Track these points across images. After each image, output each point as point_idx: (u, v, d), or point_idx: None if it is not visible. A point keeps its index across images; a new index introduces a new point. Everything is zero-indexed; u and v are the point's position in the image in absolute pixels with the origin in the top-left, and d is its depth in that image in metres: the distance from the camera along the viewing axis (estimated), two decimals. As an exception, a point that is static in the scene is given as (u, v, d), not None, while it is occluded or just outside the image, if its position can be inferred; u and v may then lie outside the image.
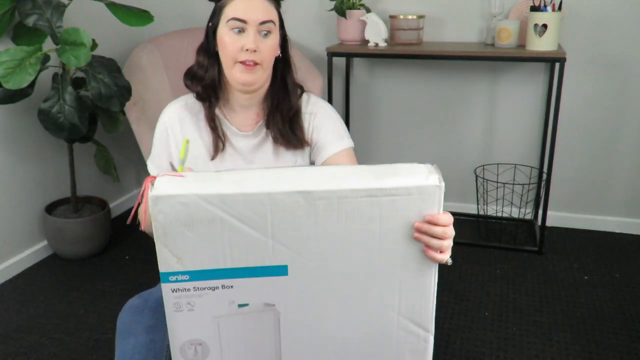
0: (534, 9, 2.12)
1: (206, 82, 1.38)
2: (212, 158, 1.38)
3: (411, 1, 2.46)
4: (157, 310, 1.34)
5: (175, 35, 2.57)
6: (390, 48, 2.29)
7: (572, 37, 2.33)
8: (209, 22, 1.39)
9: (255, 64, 1.30)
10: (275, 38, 1.33)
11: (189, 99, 1.42)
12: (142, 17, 2.06)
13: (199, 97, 1.39)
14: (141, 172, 2.89)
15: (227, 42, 1.31)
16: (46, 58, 1.93)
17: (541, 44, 2.10)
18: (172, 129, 1.38)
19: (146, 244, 2.44)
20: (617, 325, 1.85)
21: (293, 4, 2.61)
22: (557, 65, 2.12)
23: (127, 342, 1.30)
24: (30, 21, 1.92)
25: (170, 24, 2.76)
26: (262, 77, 1.34)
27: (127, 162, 2.77)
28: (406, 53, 2.25)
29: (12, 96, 1.95)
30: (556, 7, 2.10)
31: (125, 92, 2.03)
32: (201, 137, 1.39)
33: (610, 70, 2.34)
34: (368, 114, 2.68)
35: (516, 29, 2.19)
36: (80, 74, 2.09)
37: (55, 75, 2.01)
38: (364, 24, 2.33)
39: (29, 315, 1.93)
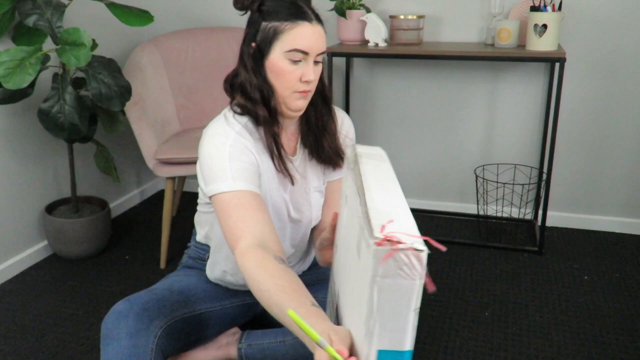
0: (534, 9, 2.12)
1: (271, 107, 1.30)
2: (292, 183, 1.40)
3: (411, 1, 2.46)
4: (142, 314, 1.34)
5: (175, 35, 2.57)
6: (390, 48, 2.29)
7: (572, 37, 2.33)
8: (251, 41, 1.29)
9: (308, 90, 1.30)
10: (322, 64, 1.32)
11: (236, 122, 1.32)
12: (142, 17, 2.06)
13: (262, 120, 1.31)
14: (141, 172, 2.89)
15: (286, 71, 1.27)
16: (46, 58, 1.93)
17: (541, 44, 2.11)
18: (248, 150, 1.29)
19: (146, 244, 2.46)
20: (617, 325, 1.85)
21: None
22: (557, 65, 2.12)
23: (110, 348, 1.30)
24: (30, 21, 1.92)
25: (170, 24, 2.76)
26: (310, 97, 1.34)
27: (127, 162, 2.77)
28: (406, 53, 2.25)
29: (12, 96, 1.95)
30: (556, 7, 2.10)
31: (125, 92, 2.03)
32: (264, 162, 1.35)
33: (610, 70, 2.34)
34: (368, 114, 2.68)
35: (516, 29, 2.20)
36: (80, 74, 2.09)
37: (55, 75, 2.01)
38: (364, 24, 2.33)
39: (29, 315, 1.93)
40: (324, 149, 1.42)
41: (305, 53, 1.25)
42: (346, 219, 0.94)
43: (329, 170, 1.49)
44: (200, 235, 1.60)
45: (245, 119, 1.33)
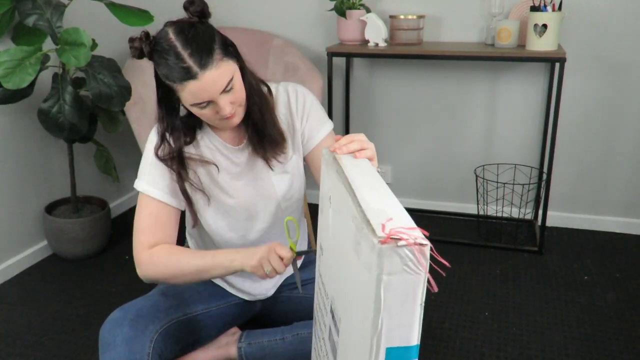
0: (534, 9, 2.12)
1: (173, 153, 1.39)
2: (193, 226, 1.48)
3: (411, 1, 2.46)
4: (137, 320, 1.35)
5: (175, 35, 2.57)
6: (390, 48, 2.29)
7: (572, 37, 2.33)
8: (158, 83, 1.30)
9: (234, 114, 1.29)
10: (239, 81, 1.28)
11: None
12: (142, 17, 2.06)
13: (167, 163, 1.42)
14: (141, 172, 2.88)
15: (201, 114, 1.29)
16: (46, 58, 1.93)
17: (541, 44, 2.10)
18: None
19: (146, 244, 2.44)
20: (617, 325, 1.85)
21: (293, 4, 2.62)
22: (557, 65, 2.12)
23: (107, 356, 1.32)
24: (30, 21, 1.92)
25: (170, 24, 2.76)
26: (243, 112, 1.34)
27: (127, 162, 2.77)
28: (406, 53, 2.25)
29: (12, 96, 1.95)
30: (556, 7, 2.10)
31: (125, 92, 2.03)
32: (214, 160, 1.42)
33: (611, 70, 2.34)
34: (368, 114, 2.68)
35: (516, 29, 2.19)
36: (80, 74, 2.09)
37: (55, 75, 2.01)
38: (364, 24, 2.33)
39: (29, 315, 1.93)
40: (257, 145, 1.40)
41: (207, 102, 1.24)
42: (333, 220, 0.94)
43: (295, 144, 1.47)
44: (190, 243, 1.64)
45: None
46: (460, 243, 2.41)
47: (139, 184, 1.44)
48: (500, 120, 2.53)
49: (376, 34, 2.30)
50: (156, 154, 1.41)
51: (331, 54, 2.31)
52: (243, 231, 1.48)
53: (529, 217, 2.60)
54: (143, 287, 1.82)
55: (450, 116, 2.58)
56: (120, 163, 2.69)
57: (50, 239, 2.28)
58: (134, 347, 1.31)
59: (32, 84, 1.91)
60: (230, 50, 1.27)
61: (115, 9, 2.02)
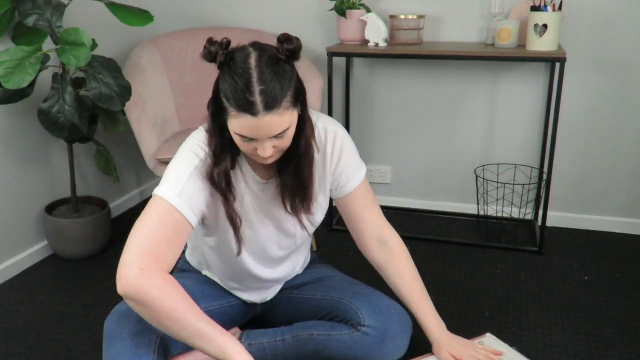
0: (534, 9, 2.12)
1: (219, 174, 1.28)
2: (238, 253, 1.41)
3: (411, 1, 2.46)
4: None
5: (175, 35, 2.57)
6: (390, 48, 2.29)
7: (572, 37, 2.33)
8: (215, 96, 1.21)
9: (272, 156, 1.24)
10: (292, 129, 1.22)
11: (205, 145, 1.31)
12: (142, 17, 2.06)
13: (214, 163, 1.30)
14: (141, 172, 2.89)
15: (238, 143, 1.22)
16: (46, 58, 1.93)
17: (541, 44, 2.10)
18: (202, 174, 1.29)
19: (146, 244, 2.44)
20: (617, 325, 1.85)
21: (293, 4, 2.62)
22: (557, 65, 2.12)
23: (113, 348, 1.31)
24: (30, 21, 1.92)
25: (170, 24, 2.76)
26: (282, 153, 1.28)
27: (127, 162, 2.77)
28: (406, 53, 2.25)
29: (12, 96, 1.95)
30: (556, 7, 2.10)
31: (125, 92, 2.03)
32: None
33: (611, 70, 2.34)
34: (368, 114, 2.68)
35: (516, 29, 2.19)
36: (80, 74, 2.09)
37: (55, 75, 2.01)
38: (364, 23, 2.33)
39: (29, 315, 1.93)
40: (291, 200, 1.38)
41: (252, 139, 1.19)
42: None
43: (322, 180, 1.46)
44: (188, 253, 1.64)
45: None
46: (460, 243, 2.41)
47: (167, 193, 1.25)
48: (500, 120, 2.53)
49: (376, 34, 2.30)
50: (206, 173, 1.28)
51: (331, 54, 2.31)
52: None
53: (529, 217, 2.60)
54: (143, 287, 1.82)
55: (450, 116, 2.58)
56: (120, 163, 2.69)
57: (50, 239, 2.28)
58: (141, 342, 1.31)
59: (32, 84, 1.91)
60: (300, 99, 1.21)
61: (115, 9, 2.02)
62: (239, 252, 1.41)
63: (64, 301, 2.01)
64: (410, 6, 2.46)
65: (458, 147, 2.61)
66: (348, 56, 2.53)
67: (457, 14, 2.44)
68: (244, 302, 1.61)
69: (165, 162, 2.15)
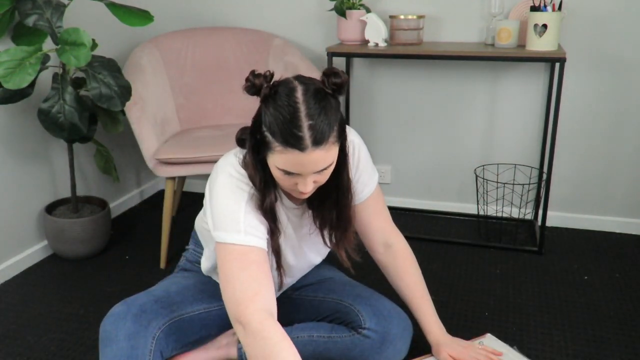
0: (534, 9, 2.12)
1: (265, 209, 1.25)
2: (277, 266, 1.37)
3: (411, 1, 2.46)
4: (140, 316, 1.35)
5: (175, 35, 2.57)
6: (390, 48, 2.29)
7: (572, 37, 2.33)
8: (256, 129, 1.18)
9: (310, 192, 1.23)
10: (333, 165, 1.21)
11: (240, 168, 1.27)
12: (142, 17, 2.06)
13: (257, 206, 1.27)
14: (141, 172, 2.89)
15: (280, 179, 1.20)
16: (46, 58, 1.93)
17: (541, 44, 2.11)
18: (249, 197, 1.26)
19: (146, 244, 2.45)
20: (617, 325, 1.85)
21: (293, 4, 2.62)
22: (557, 65, 2.12)
23: (108, 350, 1.31)
24: (30, 21, 1.92)
25: (170, 24, 2.76)
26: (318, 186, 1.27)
27: (127, 162, 2.77)
28: (406, 53, 2.25)
29: (12, 96, 1.95)
30: (556, 7, 2.11)
31: (125, 92, 2.03)
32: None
33: (611, 70, 2.34)
34: (368, 114, 2.68)
35: (516, 29, 2.20)
36: (80, 74, 2.09)
37: (55, 75, 2.01)
38: (364, 24, 2.33)
39: (29, 315, 1.93)
40: (321, 220, 1.38)
41: (294, 174, 1.17)
42: None
43: None
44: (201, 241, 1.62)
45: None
46: (460, 243, 2.41)
47: (234, 237, 1.20)
48: (500, 120, 2.53)
49: (376, 34, 2.30)
50: (256, 206, 1.25)
51: (331, 54, 2.31)
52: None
53: (529, 217, 2.60)
54: (143, 287, 1.82)
55: (450, 116, 2.58)
56: (120, 163, 2.69)
57: (50, 239, 2.28)
58: (137, 343, 1.31)
59: (32, 84, 1.91)
60: (343, 134, 1.19)
61: (115, 9, 2.02)
62: (280, 285, 1.42)
63: (64, 301, 2.01)
64: (410, 6, 2.46)
65: (458, 147, 2.62)
66: (348, 56, 2.53)
67: (457, 14, 2.44)
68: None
69: (165, 162, 2.16)
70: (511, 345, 1.65)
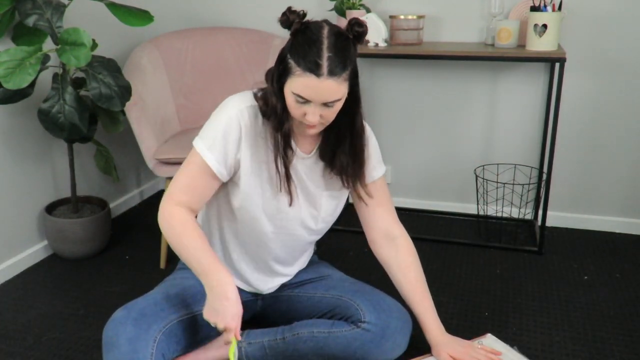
0: (534, 9, 2.12)
1: (284, 132, 1.37)
2: (290, 204, 1.46)
3: (411, 1, 2.46)
4: (141, 320, 1.36)
5: (175, 35, 2.57)
6: (390, 48, 2.29)
7: (572, 37, 2.33)
8: (281, 59, 1.33)
9: (317, 125, 1.34)
10: (341, 103, 1.32)
11: (255, 101, 1.41)
12: (142, 17, 2.06)
13: (275, 137, 1.39)
14: (141, 172, 2.89)
15: (291, 105, 1.32)
16: (46, 58, 1.93)
17: (541, 44, 2.11)
18: (245, 129, 1.38)
19: (146, 244, 2.45)
20: (617, 325, 1.85)
21: (293, 4, 2.61)
22: (557, 65, 2.12)
23: (111, 355, 1.32)
24: (30, 21, 1.92)
25: (170, 24, 2.76)
26: (325, 126, 1.38)
27: (127, 162, 2.77)
28: (406, 53, 2.25)
29: (12, 96, 1.95)
30: (556, 7, 2.11)
31: (125, 92, 2.03)
32: (268, 152, 1.42)
33: (610, 70, 2.34)
34: (368, 114, 2.66)
35: (516, 29, 2.20)
36: (80, 74, 2.09)
37: (55, 75, 2.01)
38: (364, 24, 2.33)
39: (29, 315, 1.93)
40: (336, 167, 1.46)
41: (306, 100, 1.28)
42: None
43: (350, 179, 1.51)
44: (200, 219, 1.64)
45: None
46: (460, 243, 2.41)
47: (199, 143, 1.39)
48: (500, 120, 2.53)
49: (376, 34, 2.30)
50: (276, 128, 1.37)
51: (331, 54, 2.31)
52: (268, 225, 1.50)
53: (529, 217, 2.60)
54: (143, 287, 1.82)
55: (450, 116, 2.58)
56: (120, 163, 2.69)
57: (50, 239, 2.28)
58: (138, 347, 1.32)
59: (32, 84, 1.91)
60: (355, 81, 1.33)
61: (115, 9, 2.02)
62: (291, 202, 1.45)
63: (64, 301, 2.01)
64: (410, 6, 2.46)
65: (458, 147, 2.61)
66: (348, 56, 2.53)
67: (457, 14, 2.44)
68: (244, 301, 1.61)
69: (165, 162, 2.16)
70: (511, 345, 1.65)
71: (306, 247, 1.63)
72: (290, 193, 1.43)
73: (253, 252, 1.55)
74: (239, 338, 1.32)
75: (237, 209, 1.46)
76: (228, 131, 1.37)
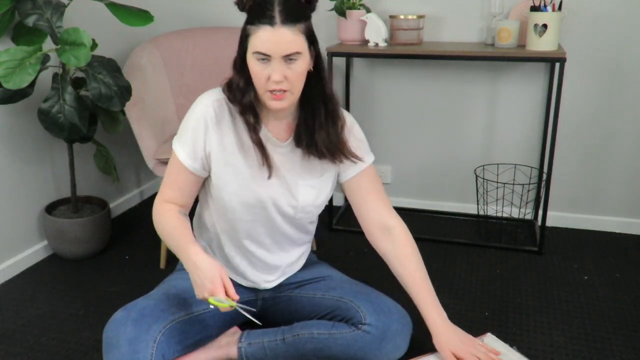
0: (534, 9, 2.12)
1: (245, 104, 1.41)
2: (269, 177, 1.46)
3: (411, 1, 2.46)
4: (141, 321, 1.36)
5: (175, 35, 2.57)
6: (390, 48, 2.29)
7: (572, 37, 2.33)
8: (240, 41, 1.39)
9: (284, 91, 1.34)
10: (303, 62, 1.34)
11: (222, 94, 1.46)
12: (142, 17, 2.06)
13: (240, 113, 1.43)
14: (141, 172, 2.89)
15: (254, 71, 1.34)
16: (46, 58, 1.93)
17: (541, 44, 2.10)
18: (210, 122, 1.43)
19: (146, 244, 2.45)
20: (617, 325, 1.85)
21: (293, 4, 2.61)
22: (557, 65, 2.12)
23: (111, 356, 1.33)
24: (30, 21, 1.92)
25: (170, 24, 2.76)
26: (293, 101, 1.39)
27: (127, 162, 2.77)
28: (406, 53, 2.25)
29: (12, 96, 1.95)
30: (556, 7, 2.10)
31: (125, 92, 2.03)
32: (239, 140, 1.45)
33: (610, 70, 2.34)
34: (368, 114, 2.68)
35: (516, 29, 2.19)
36: (80, 74, 2.09)
37: (55, 75, 2.01)
38: (364, 24, 2.33)
39: (29, 315, 1.93)
40: (317, 145, 1.46)
41: (266, 55, 1.30)
42: None
43: (328, 166, 1.50)
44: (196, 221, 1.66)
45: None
46: (460, 243, 2.41)
47: (175, 142, 1.47)
48: (500, 120, 2.53)
49: (376, 34, 2.30)
50: (240, 102, 1.42)
51: (331, 54, 2.31)
52: (250, 215, 1.51)
53: (529, 217, 2.60)
54: (143, 286, 1.82)
55: (451, 116, 2.58)
56: (120, 163, 2.69)
57: (50, 239, 2.28)
58: (138, 348, 1.32)
59: (32, 84, 1.91)
60: (312, 41, 1.37)
61: (115, 9, 2.02)
62: (270, 175, 1.46)
63: (64, 301, 2.01)
64: (410, 6, 2.46)
65: (458, 147, 2.61)
66: (348, 56, 2.53)
67: (457, 14, 2.44)
68: (244, 301, 1.61)
69: (165, 162, 2.15)
70: (511, 345, 1.65)
71: (296, 240, 1.62)
72: (268, 165, 1.44)
73: (242, 245, 1.56)
74: (235, 297, 1.32)
75: (215, 200, 1.50)
76: (196, 127, 1.42)
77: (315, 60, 1.40)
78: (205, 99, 1.44)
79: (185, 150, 1.43)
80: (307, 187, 1.51)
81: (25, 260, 2.25)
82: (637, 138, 2.40)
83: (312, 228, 1.65)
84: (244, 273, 1.60)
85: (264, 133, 1.45)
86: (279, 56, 1.29)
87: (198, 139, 1.42)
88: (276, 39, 1.28)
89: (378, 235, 1.58)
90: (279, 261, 1.61)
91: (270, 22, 1.28)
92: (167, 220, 1.45)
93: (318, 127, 1.44)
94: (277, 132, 1.47)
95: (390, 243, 1.57)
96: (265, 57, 1.30)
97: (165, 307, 1.43)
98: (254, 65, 1.33)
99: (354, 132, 1.54)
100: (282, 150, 1.48)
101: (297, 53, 1.31)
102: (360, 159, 1.52)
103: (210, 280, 1.31)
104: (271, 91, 1.33)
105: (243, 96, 1.40)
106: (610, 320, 1.87)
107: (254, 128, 1.42)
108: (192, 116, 1.43)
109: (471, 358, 1.48)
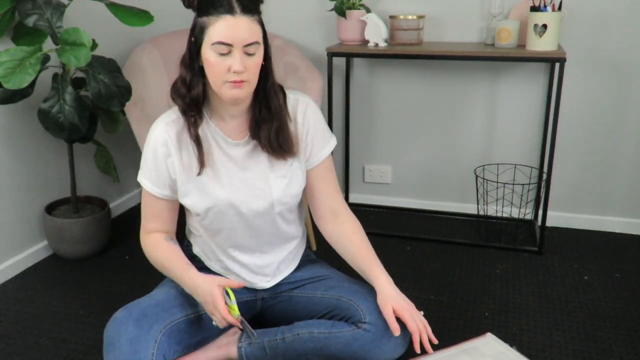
0: (534, 9, 2.12)
1: (191, 98, 1.42)
2: (198, 173, 1.46)
3: (411, 1, 2.46)
4: (142, 320, 1.36)
5: (175, 35, 2.57)
6: (390, 48, 2.29)
7: (572, 37, 2.33)
8: (191, 37, 1.38)
9: (243, 81, 1.34)
10: (260, 54, 1.36)
11: (174, 113, 1.47)
12: (142, 17, 2.06)
13: (183, 112, 1.44)
14: (141, 172, 2.88)
15: (214, 62, 1.33)
16: (46, 58, 1.93)
17: (541, 44, 2.11)
18: (164, 148, 1.45)
19: (146, 244, 2.44)
20: (617, 325, 1.85)
21: (293, 4, 2.62)
22: (557, 65, 2.12)
23: (112, 355, 1.33)
24: (30, 21, 1.92)
25: (170, 24, 2.76)
26: (250, 91, 1.39)
27: (127, 162, 2.77)
28: (406, 53, 2.25)
29: (12, 96, 1.95)
30: (556, 7, 2.11)
31: (125, 92, 2.03)
32: (189, 152, 1.46)
33: (610, 70, 2.34)
34: (368, 114, 2.68)
35: (516, 29, 2.20)
36: (80, 74, 2.09)
37: (55, 75, 2.01)
38: (364, 24, 2.33)
39: (29, 315, 1.93)
40: (269, 139, 1.46)
41: (228, 45, 1.30)
42: None
43: (299, 158, 1.51)
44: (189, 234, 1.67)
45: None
46: (460, 243, 2.41)
47: (140, 175, 1.52)
48: (500, 120, 2.53)
49: (376, 34, 2.30)
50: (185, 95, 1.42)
51: (331, 54, 2.31)
52: (230, 224, 1.51)
53: (529, 217, 2.60)
54: (144, 286, 1.82)
55: (450, 116, 2.58)
56: (120, 163, 2.69)
57: (50, 239, 2.28)
58: (139, 347, 1.32)
59: (32, 84, 1.91)
60: (264, 33, 1.37)
61: (115, 9, 2.02)
62: (200, 172, 1.45)
63: (64, 301, 2.02)
64: (410, 6, 2.46)
65: (458, 147, 2.62)
66: (348, 56, 2.54)
67: (457, 14, 2.44)
68: (244, 301, 1.61)
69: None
70: (511, 345, 1.65)
71: (281, 235, 1.60)
72: (201, 162, 1.44)
73: (228, 253, 1.57)
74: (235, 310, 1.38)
75: (192, 213, 1.53)
76: (155, 154, 1.45)
77: (265, 54, 1.40)
78: (158, 125, 1.46)
79: (151, 180, 1.48)
80: (279, 179, 1.50)
81: (26, 260, 2.25)
82: (637, 138, 2.40)
83: (294, 218, 1.63)
84: (240, 275, 1.61)
85: (217, 134, 1.45)
86: (240, 45, 1.30)
87: (160, 167, 1.46)
88: (237, 28, 1.29)
89: (328, 218, 1.58)
90: (270, 260, 1.61)
91: (231, 11, 1.29)
92: (158, 254, 1.50)
93: (269, 121, 1.44)
94: (233, 131, 1.47)
95: (338, 224, 1.58)
96: (226, 47, 1.30)
97: (166, 307, 1.44)
98: (212, 56, 1.32)
99: (316, 120, 1.52)
100: (243, 149, 1.47)
101: (257, 43, 1.33)
102: (315, 155, 1.54)
103: (209, 294, 1.37)
104: (232, 82, 1.33)
105: (189, 91, 1.40)
106: (610, 320, 1.87)
107: (194, 123, 1.42)
108: (148, 148, 1.46)
109: (409, 317, 1.42)
